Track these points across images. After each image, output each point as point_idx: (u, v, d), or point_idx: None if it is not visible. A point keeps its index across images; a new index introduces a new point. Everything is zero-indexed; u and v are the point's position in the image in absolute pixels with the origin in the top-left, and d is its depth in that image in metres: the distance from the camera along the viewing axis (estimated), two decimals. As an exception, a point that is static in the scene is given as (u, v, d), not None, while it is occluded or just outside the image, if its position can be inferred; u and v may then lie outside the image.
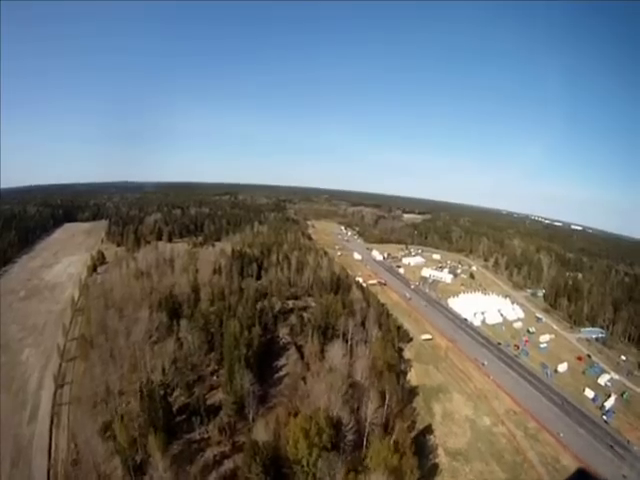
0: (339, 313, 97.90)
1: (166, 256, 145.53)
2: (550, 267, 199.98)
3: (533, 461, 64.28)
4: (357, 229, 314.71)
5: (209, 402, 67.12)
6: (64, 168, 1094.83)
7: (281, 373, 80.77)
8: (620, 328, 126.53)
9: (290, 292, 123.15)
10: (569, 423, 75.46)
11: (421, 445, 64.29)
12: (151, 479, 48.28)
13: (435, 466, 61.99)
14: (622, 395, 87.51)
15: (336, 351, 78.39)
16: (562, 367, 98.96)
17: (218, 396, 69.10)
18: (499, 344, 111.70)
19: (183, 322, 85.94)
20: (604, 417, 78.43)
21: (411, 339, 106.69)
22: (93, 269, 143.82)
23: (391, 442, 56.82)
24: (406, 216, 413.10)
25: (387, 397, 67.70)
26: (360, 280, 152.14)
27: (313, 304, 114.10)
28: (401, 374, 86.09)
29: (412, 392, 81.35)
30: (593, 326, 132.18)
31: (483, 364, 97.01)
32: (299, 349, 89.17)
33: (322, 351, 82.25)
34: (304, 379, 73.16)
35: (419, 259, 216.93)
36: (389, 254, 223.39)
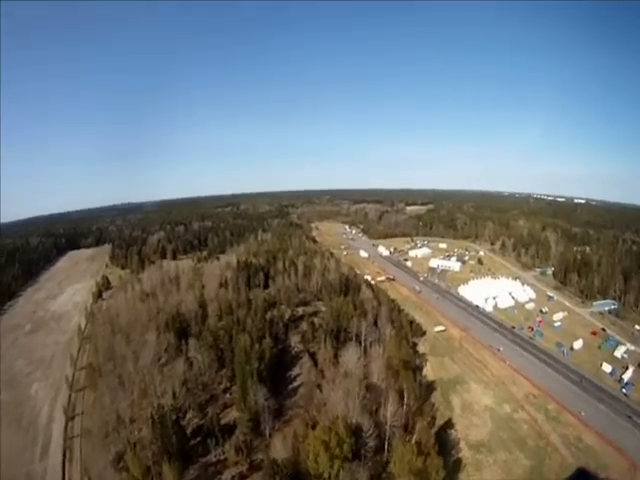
0: (350, 315, 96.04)
1: (171, 274, 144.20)
2: (557, 244, 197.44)
3: (556, 444, 62.68)
4: (361, 227, 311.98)
5: (223, 421, 65.41)
6: (65, 194, 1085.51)
7: (295, 383, 78.87)
8: (632, 298, 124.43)
9: (299, 298, 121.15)
10: (589, 400, 73.84)
11: (443, 441, 62.24)
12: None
13: (458, 461, 60.17)
14: (639, 365, 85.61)
15: (350, 355, 76.49)
16: (577, 344, 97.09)
17: (232, 414, 67.26)
18: (513, 328, 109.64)
19: (191, 341, 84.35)
20: (623, 390, 76.74)
21: (424, 332, 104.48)
22: (98, 295, 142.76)
23: (413, 443, 55.00)
24: (409, 208, 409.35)
25: (405, 396, 65.87)
26: (369, 278, 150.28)
27: (323, 308, 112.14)
28: (417, 370, 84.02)
29: (429, 387, 79.34)
30: (605, 298, 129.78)
31: (498, 350, 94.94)
32: (312, 356, 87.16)
33: (336, 356, 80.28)
34: (319, 387, 71.46)
35: (426, 250, 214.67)
36: (395, 248, 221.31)
